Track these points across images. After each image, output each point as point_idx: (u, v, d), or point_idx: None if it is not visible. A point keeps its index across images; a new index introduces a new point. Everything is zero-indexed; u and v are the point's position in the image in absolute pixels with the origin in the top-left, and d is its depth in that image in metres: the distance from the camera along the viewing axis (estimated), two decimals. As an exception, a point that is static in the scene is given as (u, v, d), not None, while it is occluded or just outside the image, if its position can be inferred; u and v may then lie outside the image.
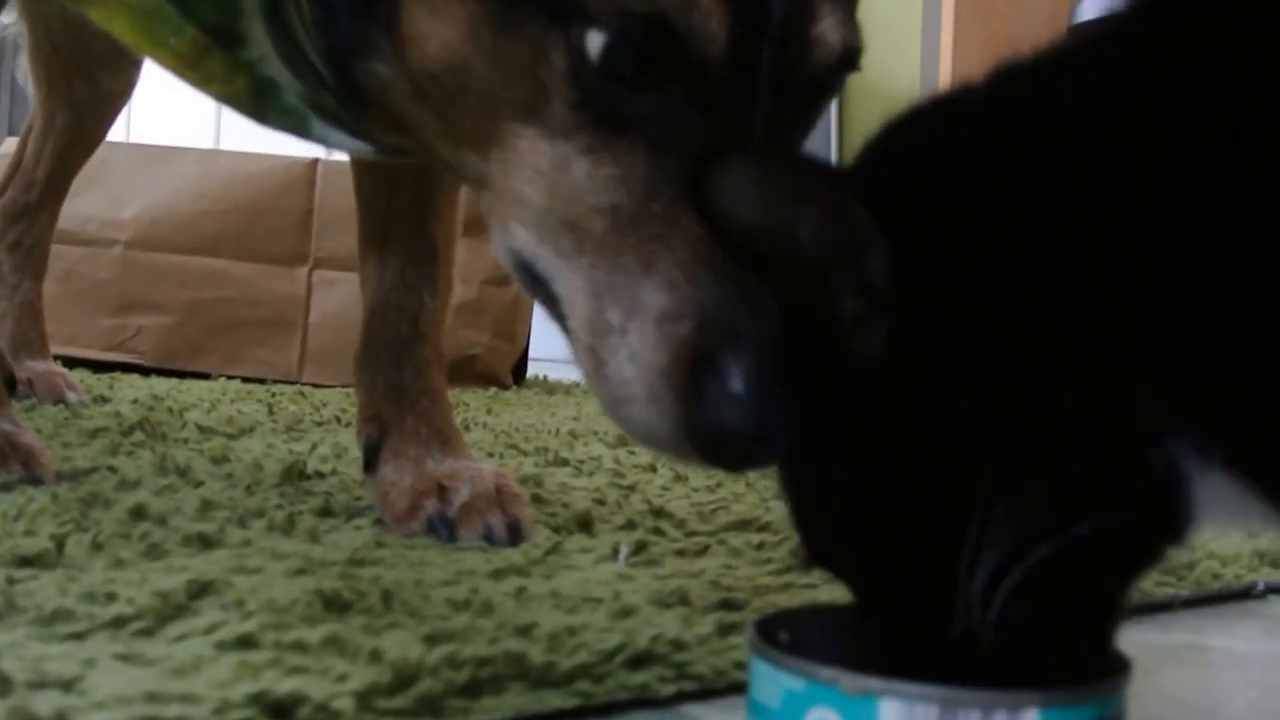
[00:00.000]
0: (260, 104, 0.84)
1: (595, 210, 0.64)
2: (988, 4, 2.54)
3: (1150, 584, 0.82)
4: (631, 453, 1.32)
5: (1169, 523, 0.45)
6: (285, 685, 0.51)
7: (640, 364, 0.63)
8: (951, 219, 0.46)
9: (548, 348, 2.68)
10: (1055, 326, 0.44)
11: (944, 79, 2.56)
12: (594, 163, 0.64)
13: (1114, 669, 0.48)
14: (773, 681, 0.47)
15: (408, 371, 0.97)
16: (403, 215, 1.00)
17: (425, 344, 0.98)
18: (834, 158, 3.55)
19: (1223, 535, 0.47)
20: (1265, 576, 0.89)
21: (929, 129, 0.50)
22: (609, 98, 0.62)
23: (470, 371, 2.09)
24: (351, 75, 0.73)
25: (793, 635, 0.51)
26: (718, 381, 0.61)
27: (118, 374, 1.92)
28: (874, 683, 0.45)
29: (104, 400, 1.53)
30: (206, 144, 3.22)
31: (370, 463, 0.95)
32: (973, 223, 0.46)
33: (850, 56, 0.68)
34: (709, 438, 0.62)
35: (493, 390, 2.08)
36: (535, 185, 0.65)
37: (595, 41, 0.61)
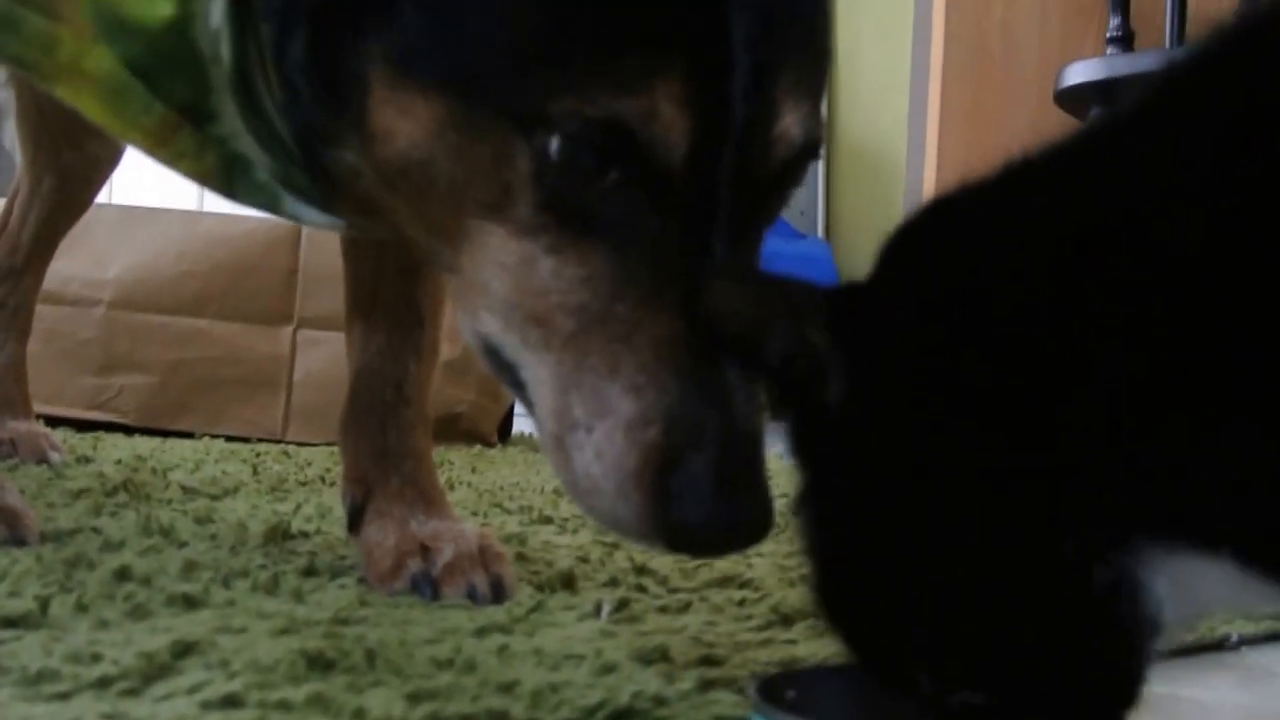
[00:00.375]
0: (231, 180, 0.85)
1: (561, 308, 0.66)
2: (975, 67, 2.58)
3: (1127, 638, 0.83)
4: (614, 510, 1.32)
5: (1120, 631, 0.46)
6: (270, 743, 0.52)
7: (607, 464, 0.64)
8: (944, 327, 0.47)
9: (531, 406, 2.69)
10: (1016, 440, 0.45)
11: (931, 140, 2.59)
12: (560, 262, 0.66)
13: None
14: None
15: (392, 435, 0.98)
16: (388, 282, 1.01)
17: (410, 408, 0.99)
18: (821, 216, 3.58)
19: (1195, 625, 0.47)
20: (1239, 629, 0.90)
21: (934, 240, 0.51)
22: (572, 200, 0.64)
23: (455, 429, 2.10)
24: (319, 160, 0.74)
25: (797, 695, 0.52)
26: (685, 482, 0.63)
27: (101, 433, 1.92)
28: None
29: (87, 460, 1.53)
30: (189, 205, 3.24)
31: (355, 523, 0.96)
32: (962, 331, 0.46)
33: (811, 147, 0.70)
34: (678, 533, 0.64)
35: (478, 448, 2.09)
36: (502, 280, 0.67)
37: (556, 145, 0.63)
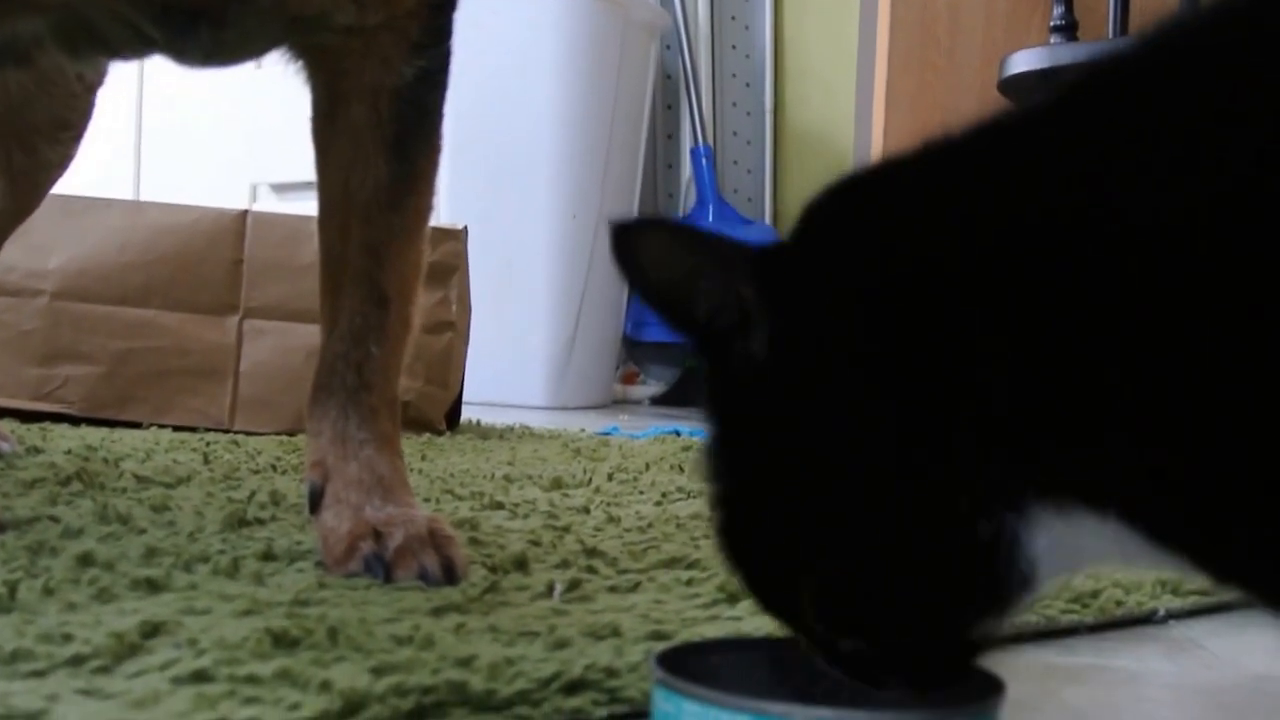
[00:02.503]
0: None
1: None
2: (921, 55, 2.61)
3: (1055, 610, 0.87)
4: (566, 495, 1.35)
5: (997, 586, 0.48)
6: (242, 714, 0.55)
7: None
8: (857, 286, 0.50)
9: (481, 393, 2.71)
10: (913, 395, 0.48)
11: (877, 127, 2.62)
12: None
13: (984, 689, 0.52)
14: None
15: (353, 420, 0.99)
16: (353, 264, 1.01)
17: (371, 393, 1.00)
18: (768, 203, 3.61)
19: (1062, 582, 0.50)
20: (1166, 603, 0.94)
21: (854, 204, 0.54)
22: None
23: (404, 417, 2.10)
24: None
25: (699, 666, 0.55)
26: None
27: (47, 424, 1.93)
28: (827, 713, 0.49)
29: (37, 450, 1.54)
30: (126, 195, 3.23)
31: (315, 507, 0.98)
32: (869, 288, 0.49)
33: None
34: None
35: (426, 436, 2.10)
36: None
37: None
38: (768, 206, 3.64)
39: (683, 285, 0.52)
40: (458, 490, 1.35)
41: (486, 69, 3.14)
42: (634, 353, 3.57)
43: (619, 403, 3.44)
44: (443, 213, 3.20)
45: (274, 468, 1.48)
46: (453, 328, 2.03)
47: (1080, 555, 0.48)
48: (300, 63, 1.02)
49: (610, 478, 1.52)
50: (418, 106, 1.01)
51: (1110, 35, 2.34)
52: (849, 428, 0.48)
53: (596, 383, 3.29)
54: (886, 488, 0.47)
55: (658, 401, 3.48)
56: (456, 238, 2.04)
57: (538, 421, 2.44)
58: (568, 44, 3.11)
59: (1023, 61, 2.21)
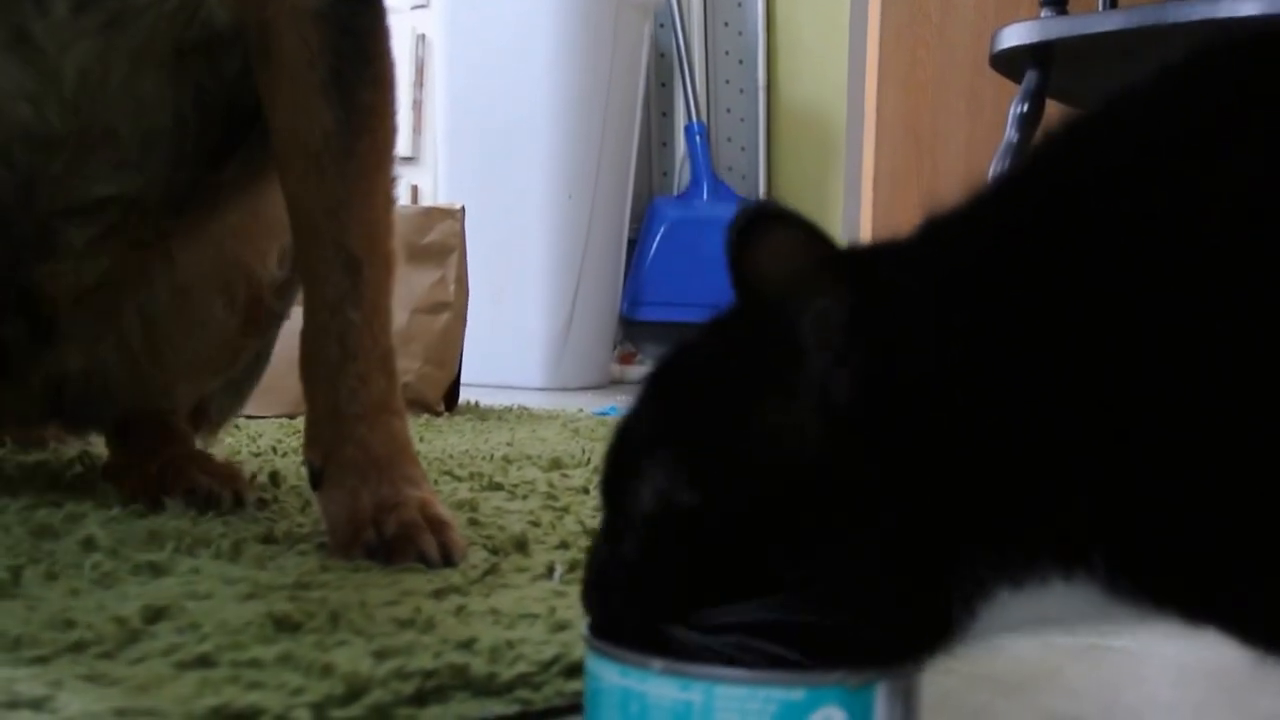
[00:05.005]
0: None
1: None
2: (912, 31, 2.61)
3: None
4: (565, 475, 1.36)
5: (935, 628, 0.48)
6: (245, 699, 0.55)
7: None
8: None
9: (480, 374, 2.72)
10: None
11: (869, 103, 2.62)
12: None
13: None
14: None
15: (343, 394, 0.96)
16: (317, 231, 0.96)
17: (357, 361, 0.96)
18: (762, 180, 3.60)
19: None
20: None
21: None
22: None
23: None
24: None
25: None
26: None
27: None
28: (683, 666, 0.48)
29: (38, 436, 1.54)
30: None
31: (316, 484, 0.97)
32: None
33: None
34: None
35: (425, 417, 2.11)
36: None
37: None
38: (761, 183, 3.63)
39: (789, 289, 0.49)
40: (456, 471, 1.36)
41: (481, 50, 3.13)
42: (631, 333, 3.57)
43: (616, 383, 3.44)
44: (440, 193, 3.20)
45: (274, 450, 1.48)
46: (450, 308, 2.03)
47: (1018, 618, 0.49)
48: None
49: (608, 458, 1.52)
50: (350, 32, 0.95)
51: (1100, 7, 2.33)
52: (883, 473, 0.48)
53: (594, 363, 3.30)
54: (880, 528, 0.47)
55: (655, 380, 3.48)
56: (454, 217, 2.03)
57: (536, 402, 2.45)
58: (562, 24, 3.10)
59: (1013, 36, 2.20)
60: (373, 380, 0.97)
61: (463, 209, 2.06)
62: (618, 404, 2.49)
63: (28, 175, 0.98)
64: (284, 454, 1.44)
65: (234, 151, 1.05)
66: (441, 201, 2.14)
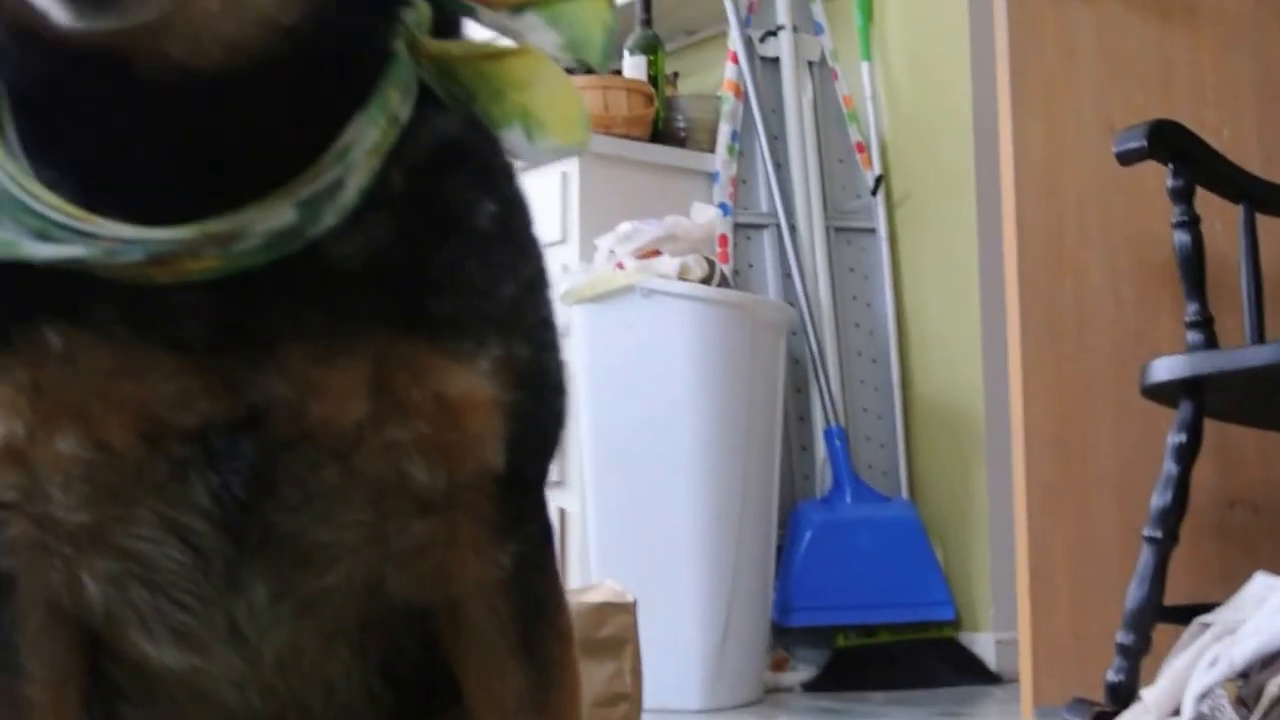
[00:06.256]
0: None
1: None
2: (1053, 346, 2.64)
3: None
4: None
5: None
6: None
7: None
8: None
9: None
10: None
11: (1016, 414, 2.63)
12: None
13: None
14: None
15: None
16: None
17: None
18: (904, 477, 3.61)
19: None
20: None
21: None
22: None
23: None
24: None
25: None
26: None
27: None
28: None
29: None
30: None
31: None
32: None
33: None
34: None
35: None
36: None
37: None
38: (903, 480, 3.64)
39: None
40: None
41: (621, 374, 3.22)
42: (782, 638, 3.55)
43: (771, 692, 3.40)
44: (589, 517, 3.25)
45: None
46: (628, 699, 2.05)
47: None
48: (396, 574, 0.97)
49: None
50: (534, 596, 0.98)
51: (1248, 334, 2.35)
52: None
53: (748, 676, 3.27)
54: None
55: (810, 688, 3.44)
56: (628, 610, 2.07)
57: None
58: (700, 353, 3.18)
59: (1164, 370, 2.22)
60: None
61: (635, 602, 2.10)
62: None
63: None
64: None
65: (426, 715, 1.08)
66: (609, 585, 2.17)
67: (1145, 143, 2.30)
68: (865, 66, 3.81)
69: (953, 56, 3.64)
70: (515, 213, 0.97)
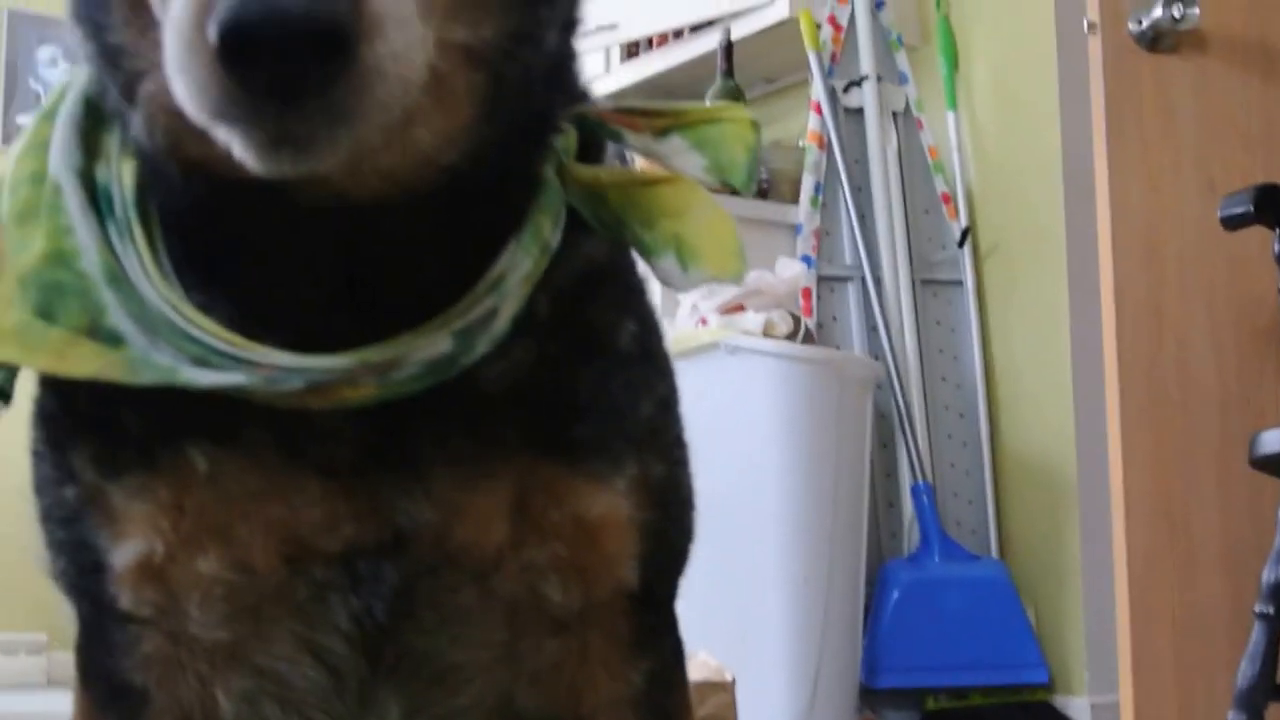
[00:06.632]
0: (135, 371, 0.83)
1: None
2: (1154, 411, 2.58)
3: None
4: None
5: None
6: None
7: (175, 29, 0.65)
8: None
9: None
10: None
11: (1115, 485, 2.57)
12: None
13: None
14: None
15: None
16: None
17: None
18: (994, 535, 3.55)
19: None
20: None
21: None
22: None
23: None
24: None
25: None
26: None
27: None
28: None
29: None
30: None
31: None
32: None
33: None
34: (228, 44, 0.62)
35: None
36: None
37: None
38: (993, 538, 3.57)
39: None
40: None
41: (707, 439, 3.18)
42: (870, 700, 3.48)
43: (860, 754, 3.35)
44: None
45: None
46: (730, 780, 2.02)
47: None
48: (528, 692, 0.96)
49: None
50: (662, 714, 0.98)
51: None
52: None
53: (837, 740, 3.22)
54: None
55: (899, 750, 3.38)
56: (726, 690, 2.04)
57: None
58: (786, 410, 3.15)
59: (1273, 442, 2.17)
60: None
61: (733, 680, 2.07)
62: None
63: None
64: None
65: None
66: (704, 658, 2.14)
67: (1251, 207, 2.25)
68: (951, 116, 3.75)
69: (1040, 105, 3.58)
70: (652, 330, 0.97)
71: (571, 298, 0.90)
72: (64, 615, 0.96)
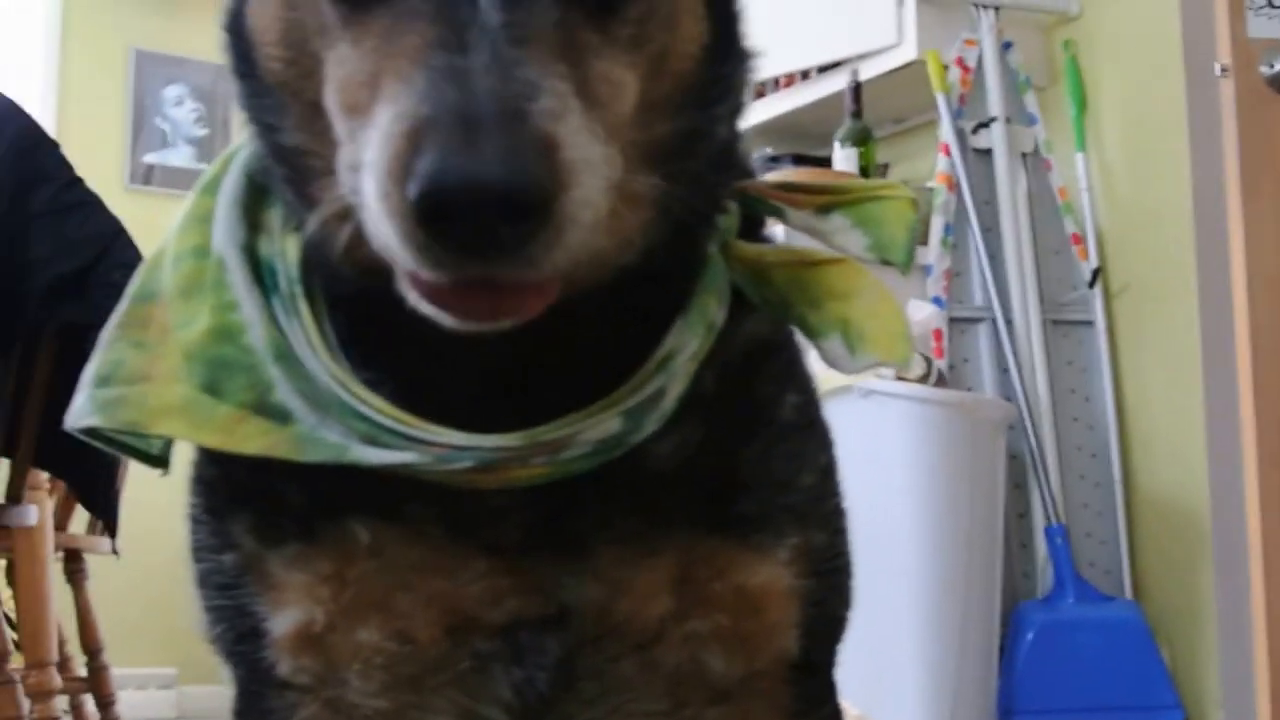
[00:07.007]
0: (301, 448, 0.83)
1: (354, 80, 0.71)
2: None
3: None
4: None
5: None
6: None
7: (374, 176, 0.65)
8: None
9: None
10: None
11: (1252, 533, 2.56)
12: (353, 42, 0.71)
13: None
14: None
15: None
16: None
17: None
18: (1127, 576, 3.52)
19: None
20: None
21: None
22: None
23: None
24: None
25: None
26: (430, 146, 0.61)
27: None
28: None
29: None
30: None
31: None
32: None
33: None
34: (425, 206, 0.62)
35: None
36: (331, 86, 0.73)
37: None
38: (1126, 580, 3.55)
39: None
40: None
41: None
42: (1004, 740, 3.48)
43: (995, 796, 3.34)
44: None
45: None
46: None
47: None
48: None
49: None
50: None
51: None
52: None
53: (971, 780, 3.22)
54: None
55: (1035, 792, 3.37)
56: (865, 735, 2.08)
57: None
58: (920, 452, 3.17)
59: None
60: None
61: (872, 722, 2.11)
62: None
63: None
64: None
65: None
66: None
67: (1391, 251, 2.25)
68: (1080, 157, 3.76)
69: (1170, 145, 3.57)
70: (813, 400, 0.99)
71: (736, 373, 0.91)
72: (194, 650, 0.97)
